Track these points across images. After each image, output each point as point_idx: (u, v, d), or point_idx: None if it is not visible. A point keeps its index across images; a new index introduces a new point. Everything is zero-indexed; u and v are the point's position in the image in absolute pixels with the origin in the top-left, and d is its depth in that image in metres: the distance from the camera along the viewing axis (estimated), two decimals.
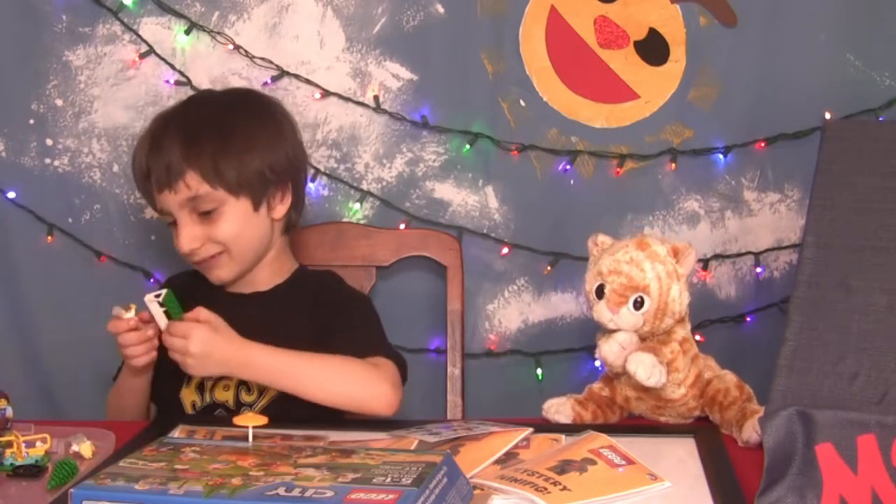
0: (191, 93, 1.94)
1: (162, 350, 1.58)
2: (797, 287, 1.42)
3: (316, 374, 1.55)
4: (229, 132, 1.63)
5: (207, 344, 1.52)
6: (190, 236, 1.62)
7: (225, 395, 1.65)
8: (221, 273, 1.67)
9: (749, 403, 1.50)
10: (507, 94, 1.98)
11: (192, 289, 1.69)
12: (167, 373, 1.63)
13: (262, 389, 1.64)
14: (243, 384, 1.64)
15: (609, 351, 1.50)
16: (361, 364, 1.57)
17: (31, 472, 1.33)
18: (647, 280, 1.49)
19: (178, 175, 1.59)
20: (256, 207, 1.65)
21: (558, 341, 2.04)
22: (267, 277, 1.72)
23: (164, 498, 1.09)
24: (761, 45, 1.96)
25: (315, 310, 1.69)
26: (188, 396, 1.67)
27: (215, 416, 1.64)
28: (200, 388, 1.67)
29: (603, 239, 1.57)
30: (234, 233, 1.63)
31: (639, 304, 1.49)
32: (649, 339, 1.52)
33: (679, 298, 1.51)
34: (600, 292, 1.51)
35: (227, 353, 1.53)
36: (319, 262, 1.86)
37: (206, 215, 1.62)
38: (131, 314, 1.56)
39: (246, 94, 1.78)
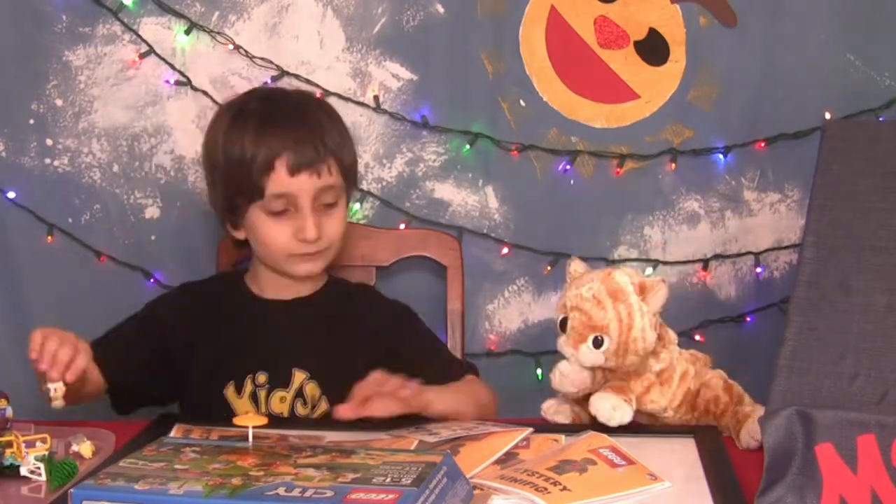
0: (191, 93, 1.95)
1: (202, 351, 1.61)
2: (797, 287, 1.42)
3: (469, 403, 1.55)
4: (343, 129, 1.65)
5: None
6: (317, 223, 1.59)
7: (281, 407, 1.62)
8: (315, 267, 1.64)
9: (740, 407, 1.50)
10: (507, 94, 1.98)
11: (220, 296, 1.67)
12: (206, 374, 1.61)
13: (316, 403, 1.62)
14: (300, 396, 1.62)
15: (557, 383, 1.50)
16: (478, 384, 1.64)
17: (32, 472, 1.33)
18: (605, 320, 1.45)
19: (324, 159, 1.58)
20: (347, 206, 1.67)
21: None
22: (311, 282, 1.69)
23: (164, 498, 1.09)
24: (761, 45, 1.96)
25: (372, 328, 1.67)
26: (241, 407, 1.62)
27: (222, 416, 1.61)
28: (254, 398, 1.62)
29: (576, 267, 1.54)
30: (340, 230, 1.63)
31: (598, 343, 1.46)
32: (620, 373, 1.50)
33: (643, 336, 1.47)
34: (564, 325, 1.50)
35: None
36: None
37: (324, 208, 1.60)
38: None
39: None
